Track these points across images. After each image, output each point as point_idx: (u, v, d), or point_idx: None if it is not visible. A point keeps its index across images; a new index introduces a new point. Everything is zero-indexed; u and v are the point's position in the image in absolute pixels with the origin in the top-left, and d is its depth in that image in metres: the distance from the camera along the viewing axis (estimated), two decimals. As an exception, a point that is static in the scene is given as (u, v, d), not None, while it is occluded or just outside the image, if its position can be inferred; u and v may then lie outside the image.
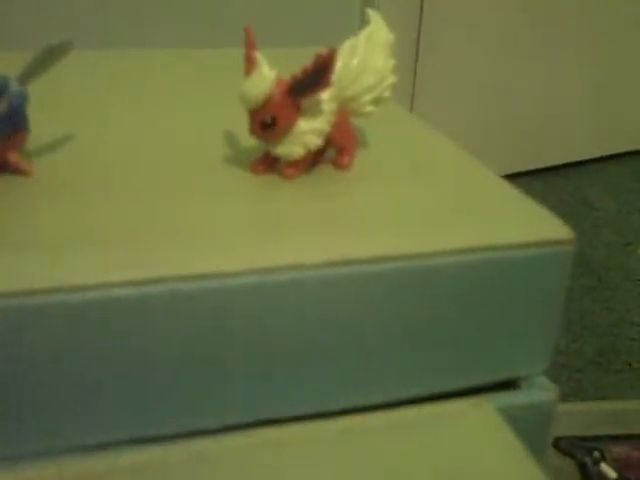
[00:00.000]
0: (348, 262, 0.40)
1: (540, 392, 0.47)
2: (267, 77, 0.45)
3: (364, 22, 0.50)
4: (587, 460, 0.80)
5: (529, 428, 0.46)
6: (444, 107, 1.53)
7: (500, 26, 1.53)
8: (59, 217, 0.42)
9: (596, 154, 1.77)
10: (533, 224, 0.46)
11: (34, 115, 0.46)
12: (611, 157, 1.79)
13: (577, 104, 1.70)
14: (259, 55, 0.45)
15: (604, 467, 0.79)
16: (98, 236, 0.40)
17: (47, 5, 1.16)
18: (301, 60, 0.45)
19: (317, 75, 0.44)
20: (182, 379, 0.40)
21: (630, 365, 1.05)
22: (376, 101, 0.50)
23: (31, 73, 0.45)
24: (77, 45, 0.48)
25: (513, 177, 1.62)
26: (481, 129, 1.60)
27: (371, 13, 0.51)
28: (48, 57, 0.45)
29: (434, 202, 0.47)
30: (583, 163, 1.74)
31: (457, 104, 1.55)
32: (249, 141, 0.48)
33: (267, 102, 0.44)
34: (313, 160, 0.49)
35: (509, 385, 0.47)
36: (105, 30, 1.21)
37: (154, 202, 0.44)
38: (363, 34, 0.49)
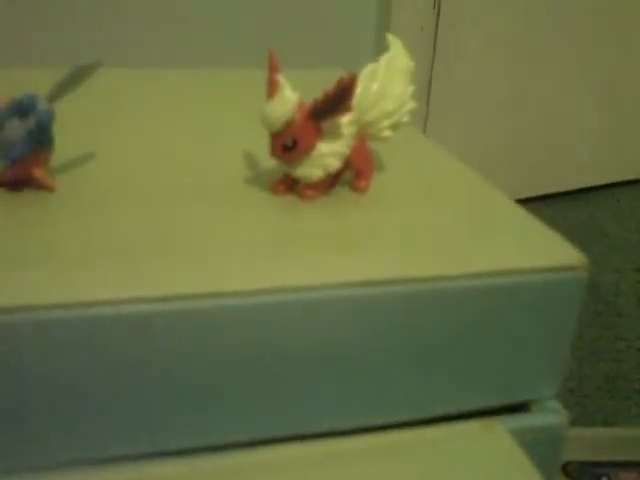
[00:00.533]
0: (362, 284, 0.41)
1: (551, 415, 0.47)
2: (289, 100, 0.45)
3: (380, 45, 0.51)
4: (594, 486, 0.79)
5: (539, 451, 0.46)
6: (454, 133, 1.54)
7: (514, 53, 1.54)
8: (73, 232, 0.43)
9: (606, 180, 1.77)
10: (547, 249, 0.46)
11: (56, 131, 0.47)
12: (622, 183, 1.79)
13: (588, 131, 1.71)
14: (282, 78, 0.46)
15: (611, 493, 0.78)
16: (110, 252, 0.41)
17: (73, 21, 1.18)
18: (313, 81, 0.45)
19: (338, 99, 0.45)
20: (188, 398, 0.40)
21: (638, 392, 1.05)
22: (394, 126, 0.50)
23: (60, 92, 0.46)
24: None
25: (523, 202, 1.63)
26: (491, 155, 1.61)
27: (391, 39, 0.51)
28: (77, 77, 0.46)
29: (448, 226, 0.47)
30: (593, 189, 1.75)
31: (467, 130, 1.56)
32: (269, 161, 0.49)
33: (289, 125, 0.45)
34: (331, 182, 0.50)
35: (520, 408, 0.48)
36: (126, 48, 1.22)
37: (171, 219, 0.45)
38: (383, 60, 0.50)
